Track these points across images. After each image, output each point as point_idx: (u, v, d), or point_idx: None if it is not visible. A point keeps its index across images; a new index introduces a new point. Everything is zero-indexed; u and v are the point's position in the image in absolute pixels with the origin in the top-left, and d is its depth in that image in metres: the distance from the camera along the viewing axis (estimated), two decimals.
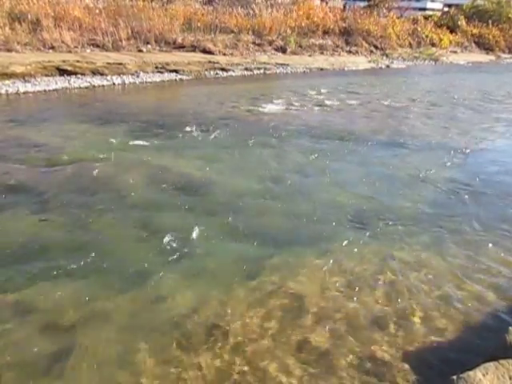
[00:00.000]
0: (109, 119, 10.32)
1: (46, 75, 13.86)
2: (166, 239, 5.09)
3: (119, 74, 15.15)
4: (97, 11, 18.63)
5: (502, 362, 2.74)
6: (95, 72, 14.79)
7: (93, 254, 4.73)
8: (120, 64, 15.68)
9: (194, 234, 5.24)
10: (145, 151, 8.10)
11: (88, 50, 16.72)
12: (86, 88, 13.88)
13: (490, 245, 5.48)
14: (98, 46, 17.28)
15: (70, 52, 16.09)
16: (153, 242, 5.05)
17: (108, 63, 15.49)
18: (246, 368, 3.40)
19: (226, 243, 5.16)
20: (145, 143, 8.51)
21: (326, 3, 33.36)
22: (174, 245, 5.01)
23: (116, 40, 17.62)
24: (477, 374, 2.66)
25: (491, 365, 2.74)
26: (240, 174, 7.35)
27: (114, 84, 14.60)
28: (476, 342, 3.79)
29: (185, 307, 4.05)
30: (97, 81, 14.39)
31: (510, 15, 42.28)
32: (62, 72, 14.22)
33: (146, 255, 4.79)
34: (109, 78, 14.79)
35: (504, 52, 39.60)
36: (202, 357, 3.48)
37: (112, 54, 16.73)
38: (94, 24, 17.79)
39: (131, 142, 8.50)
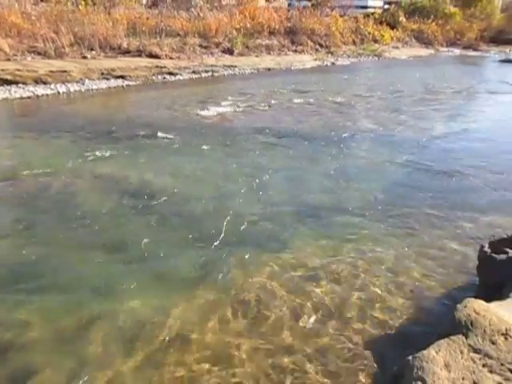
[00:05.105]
0: (54, 130, 10.03)
1: None
2: (125, 249, 5.10)
3: (63, 82, 14.74)
4: (36, 17, 17.96)
5: (452, 338, 2.91)
6: (38, 80, 14.33)
7: (48, 270, 4.68)
8: (64, 71, 15.25)
9: (153, 242, 5.26)
10: (94, 162, 7.95)
11: (29, 58, 16.14)
12: (29, 98, 13.41)
13: (439, 230, 5.83)
14: (39, 54, 16.71)
15: (8, 60, 15.47)
16: (110, 253, 5.03)
17: (51, 71, 15.03)
18: (211, 370, 3.48)
19: (184, 248, 5.20)
20: (93, 153, 8.33)
21: (270, 3, 33.66)
22: (134, 254, 5.02)
23: (58, 46, 17.10)
24: (430, 351, 2.82)
25: (443, 342, 2.91)
26: (193, 179, 7.38)
27: (58, 92, 14.19)
28: (430, 322, 4.04)
29: (147, 314, 4.07)
30: (40, 90, 13.93)
31: (445, 11, 44.26)
32: (2, 82, 13.68)
33: (106, 266, 4.77)
34: (53, 86, 14.36)
35: (442, 46, 41.43)
36: (165, 362, 3.54)
37: (55, 61, 16.23)
38: (34, 30, 17.18)
39: (79, 153, 8.29)
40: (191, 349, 3.69)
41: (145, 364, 3.53)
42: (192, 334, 3.86)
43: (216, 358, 3.61)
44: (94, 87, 15.23)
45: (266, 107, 13.37)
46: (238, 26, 24.30)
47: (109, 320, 4.00)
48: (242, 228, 5.74)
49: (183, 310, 4.18)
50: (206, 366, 3.52)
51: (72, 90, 14.62)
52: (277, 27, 26.72)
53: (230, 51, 22.57)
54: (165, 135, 9.70)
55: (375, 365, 3.56)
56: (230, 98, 14.39)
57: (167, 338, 3.80)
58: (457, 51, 40.98)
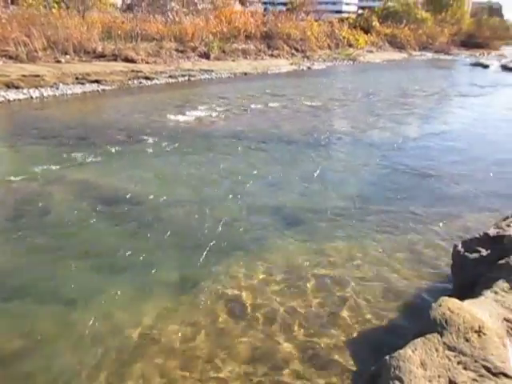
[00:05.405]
0: (27, 136, 9.83)
1: None
2: (102, 256, 5.03)
3: (36, 87, 14.47)
4: (6, 20, 17.56)
5: (428, 336, 2.96)
6: (9, 85, 14.03)
7: (21, 279, 4.58)
8: (37, 76, 14.99)
9: (131, 249, 5.19)
10: (69, 168, 7.81)
11: (0, 62, 15.80)
12: (0, 103, 13.10)
13: (415, 230, 5.93)
14: (11, 58, 16.37)
15: None
16: (88, 261, 4.94)
17: (23, 75, 14.75)
18: (194, 377, 3.47)
19: (164, 254, 5.16)
20: (68, 160, 8.20)
21: (246, 7, 33.82)
22: (111, 261, 4.95)
23: (31, 50, 16.79)
24: (407, 351, 2.86)
25: (419, 341, 2.94)
26: (171, 184, 7.33)
27: (31, 97, 13.92)
28: (407, 321, 4.10)
29: (127, 322, 4.03)
30: (12, 95, 13.64)
31: (417, 16, 45.30)
32: None
33: (83, 275, 4.69)
34: (25, 91, 14.08)
35: (415, 50, 42.38)
36: (147, 369, 3.51)
37: (27, 65, 15.93)
38: (5, 34, 16.81)
39: (53, 160, 8.12)
40: (171, 355, 3.67)
41: (123, 372, 3.49)
42: (173, 340, 3.83)
43: (196, 363, 3.59)
44: (69, 92, 15.02)
45: (244, 112, 13.41)
46: (214, 31, 24.34)
47: (84, 328, 3.93)
48: (221, 233, 5.73)
49: (162, 315, 4.14)
50: (187, 373, 3.50)
51: (45, 94, 14.37)
52: (253, 31, 26.87)
53: (206, 55, 22.56)
54: (142, 141, 9.62)
55: (354, 365, 3.60)
56: (207, 102, 14.38)
57: (146, 345, 3.76)
58: (429, 55, 41.96)
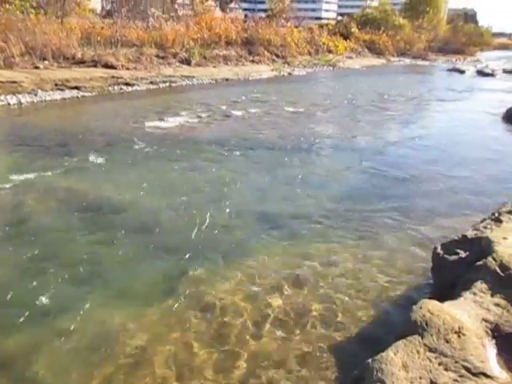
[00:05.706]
0: (4, 143, 9.68)
1: None
2: (83, 265, 4.95)
3: (14, 93, 14.24)
4: None
5: (409, 338, 2.99)
6: None
7: (8, 290, 4.48)
8: (14, 82, 14.75)
9: (113, 257, 5.14)
10: (47, 176, 7.68)
11: None
12: None
13: (396, 233, 5.99)
14: None
15: None
16: (67, 269, 4.85)
17: (0, 81, 14.51)
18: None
19: (145, 262, 5.11)
20: (47, 167, 8.03)
21: (227, 13, 33.95)
22: (94, 269, 4.88)
23: (8, 56, 16.51)
24: (389, 353, 2.89)
25: (400, 343, 2.98)
26: (153, 191, 7.25)
27: (8, 104, 13.70)
28: (389, 324, 4.12)
29: (109, 330, 3.98)
30: None
31: (395, 22, 46.10)
32: None
33: (63, 284, 4.61)
34: (2, 97, 13.84)
35: (393, 56, 43.10)
36: (127, 377, 3.47)
37: (4, 71, 15.65)
38: None
39: (31, 167, 7.97)
40: (154, 363, 3.63)
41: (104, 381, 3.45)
42: (154, 347, 3.80)
43: (180, 369, 3.57)
44: (48, 98, 14.81)
45: (226, 117, 13.41)
46: (195, 37, 24.34)
47: (65, 339, 3.87)
48: (204, 238, 5.70)
49: (146, 323, 4.10)
50: (170, 379, 3.48)
51: (23, 101, 14.15)
52: (234, 38, 26.97)
53: (187, 61, 22.53)
54: (123, 147, 9.53)
55: (337, 369, 3.62)
56: (188, 108, 14.34)
57: (128, 352, 3.72)
58: (407, 61, 42.70)
